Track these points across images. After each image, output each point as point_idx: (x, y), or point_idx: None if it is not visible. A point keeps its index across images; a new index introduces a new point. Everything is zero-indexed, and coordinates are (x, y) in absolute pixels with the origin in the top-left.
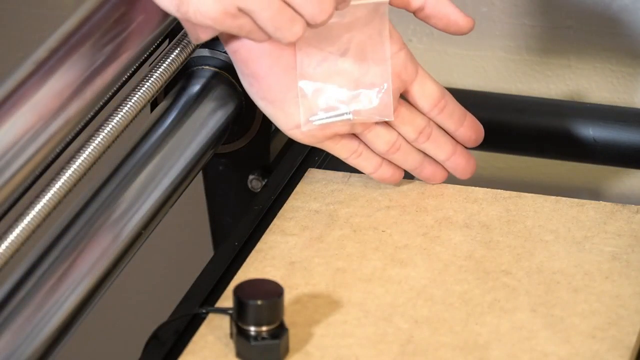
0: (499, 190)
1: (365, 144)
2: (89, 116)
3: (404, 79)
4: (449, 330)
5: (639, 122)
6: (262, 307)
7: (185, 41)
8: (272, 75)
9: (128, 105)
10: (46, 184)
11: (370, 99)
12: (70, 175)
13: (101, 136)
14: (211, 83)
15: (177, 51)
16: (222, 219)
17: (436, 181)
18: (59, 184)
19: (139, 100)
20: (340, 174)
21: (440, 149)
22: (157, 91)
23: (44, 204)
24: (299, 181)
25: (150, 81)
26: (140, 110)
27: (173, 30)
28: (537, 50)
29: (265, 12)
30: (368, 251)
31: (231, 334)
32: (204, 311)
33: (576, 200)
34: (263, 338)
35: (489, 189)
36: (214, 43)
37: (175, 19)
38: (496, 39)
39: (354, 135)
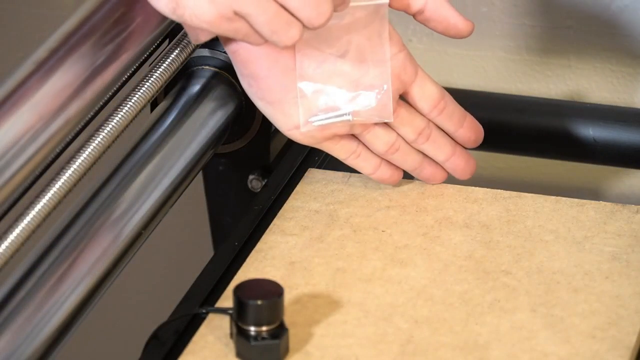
0: (499, 190)
1: (364, 145)
2: (89, 116)
3: (403, 80)
4: (449, 330)
5: (639, 122)
6: (262, 307)
7: (185, 41)
8: (271, 76)
9: (128, 105)
10: (46, 184)
11: (370, 100)
12: (70, 175)
13: (101, 136)
14: (211, 83)
15: (177, 51)
16: (222, 219)
17: (436, 182)
18: (59, 184)
19: (139, 100)
20: (340, 174)
21: (440, 149)
22: (157, 91)
23: (44, 204)
24: (299, 181)
25: (150, 81)
26: (140, 110)
27: (173, 30)
28: (537, 50)
29: (261, 16)
30: (368, 251)
31: (231, 334)
32: (204, 311)
33: (576, 200)
34: (263, 338)
35: (489, 189)
36: (214, 43)
37: None
38: (496, 39)
39: (353, 136)
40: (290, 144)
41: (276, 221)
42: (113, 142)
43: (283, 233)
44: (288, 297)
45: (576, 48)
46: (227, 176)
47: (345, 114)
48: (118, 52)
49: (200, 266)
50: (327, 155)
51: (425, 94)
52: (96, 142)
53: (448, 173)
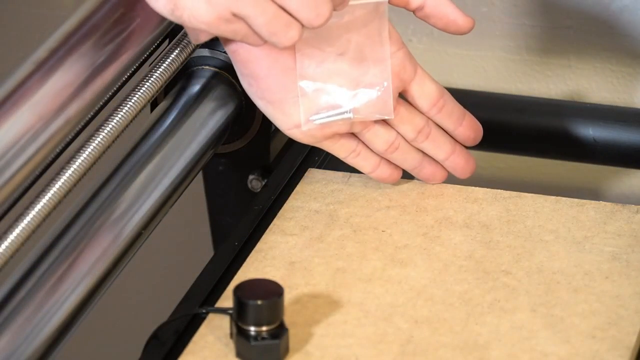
0: (499, 190)
1: (364, 144)
2: (89, 116)
3: (402, 79)
4: (449, 330)
5: (639, 122)
6: (262, 307)
7: (185, 41)
8: (271, 76)
9: (128, 105)
10: (46, 184)
11: (370, 98)
12: (70, 175)
13: (101, 136)
14: (211, 83)
15: (177, 51)
16: (222, 219)
17: (436, 181)
18: (59, 184)
19: (139, 100)
20: (340, 174)
21: (440, 148)
22: (157, 91)
23: (44, 204)
24: (299, 181)
25: (150, 81)
26: (140, 110)
27: (173, 30)
28: (537, 50)
29: (260, 18)
30: (368, 251)
31: (231, 334)
32: (204, 311)
33: (576, 200)
34: (263, 338)
35: (489, 189)
36: (214, 43)
37: None
38: (496, 39)
39: (353, 135)
40: (290, 144)
41: (276, 221)
42: (113, 142)
43: (283, 233)
44: (288, 297)
45: (576, 48)
46: (227, 176)
47: (346, 112)
48: (118, 52)
49: (200, 266)
50: (327, 155)
51: (425, 92)
52: (96, 142)
53: (448, 173)
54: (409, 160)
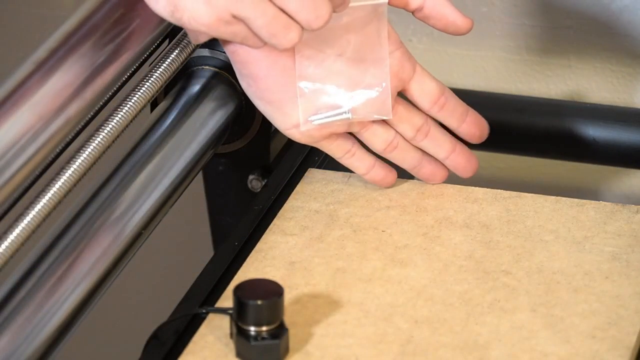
0: (499, 190)
1: (360, 144)
2: (89, 116)
3: (401, 78)
4: (449, 330)
5: (639, 122)
6: (262, 307)
7: (185, 41)
8: (270, 76)
9: (128, 105)
10: (46, 184)
11: (369, 98)
12: (70, 175)
13: (101, 136)
14: (211, 83)
15: (177, 51)
16: (222, 219)
17: (436, 181)
18: (59, 184)
19: (139, 100)
20: (340, 174)
21: (440, 147)
22: (157, 91)
23: (44, 204)
24: (299, 181)
25: (150, 81)
26: (140, 110)
27: (173, 30)
28: (537, 50)
29: (259, 19)
30: (368, 251)
31: (231, 334)
32: (204, 311)
33: (576, 200)
34: (263, 338)
35: (489, 189)
36: (214, 43)
37: None
38: (496, 39)
39: (350, 135)
40: (290, 144)
41: (276, 221)
42: (113, 142)
43: (283, 233)
44: (288, 297)
45: (576, 48)
46: (227, 176)
47: (345, 112)
48: (118, 52)
49: (200, 266)
50: (327, 155)
51: (425, 90)
52: (96, 142)
53: (449, 172)
54: (408, 159)
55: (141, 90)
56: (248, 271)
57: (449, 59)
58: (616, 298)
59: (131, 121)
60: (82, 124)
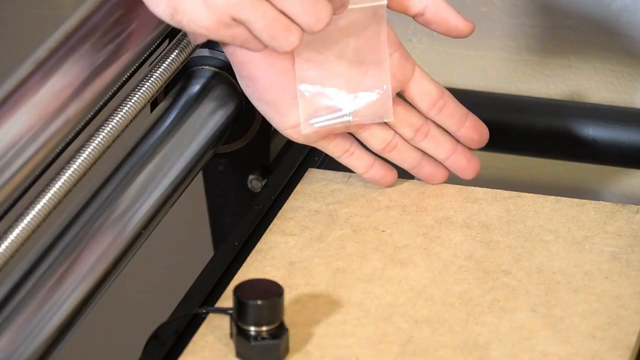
0: (499, 190)
1: (358, 144)
2: (89, 116)
3: (400, 79)
4: (449, 330)
5: (639, 122)
6: (262, 307)
7: (185, 41)
8: (268, 78)
9: (128, 105)
10: (46, 184)
11: (369, 101)
12: (70, 175)
13: (101, 136)
14: (211, 83)
15: (177, 51)
16: (222, 219)
17: (437, 181)
18: (59, 184)
19: (139, 100)
20: (340, 174)
21: (440, 147)
22: (157, 91)
23: (44, 204)
24: (299, 181)
25: (150, 81)
26: (140, 110)
27: (173, 30)
28: (537, 50)
29: (260, 22)
30: (368, 251)
31: (231, 334)
32: (204, 311)
33: (576, 200)
34: (263, 338)
35: (489, 189)
36: (214, 43)
37: None
38: (496, 39)
39: (348, 134)
40: (290, 144)
41: (276, 221)
42: (113, 142)
43: (283, 233)
44: (288, 297)
45: (576, 48)
46: (227, 176)
47: (346, 115)
48: (118, 52)
49: (200, 266)
50: (328, 155)
51: (424, 92)
52: (96, 142)
53: (450, 173)
54: (407, 159)
55: (141, 90)
56: (248, 271)
57: (449, 59)
58: (616, 298)
59: (131, 121)
60: (82, 124)
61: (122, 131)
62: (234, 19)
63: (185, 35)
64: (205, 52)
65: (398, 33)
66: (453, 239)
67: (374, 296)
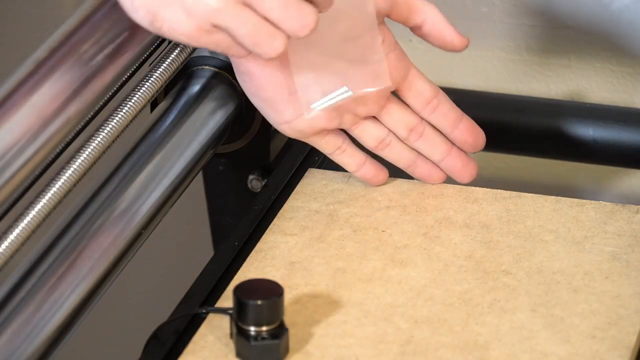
0: (499, 190)
1: (350, 141)
2: (89, 116)
3: (395, 79)
4: (449, 330)
5: (639, 122)
6: (262, 307)
7: None
8: (265, 74)
9: (128, 105)
10: (46, 184)
11: (365, 72)
12: (70, 175)
13: (101, 136)
14: (211, 83)
15: (177, 51)
16: (222, 219)
17: (433, 181)
18: (59, 184)
19: (139, 100)
20: (340, 174)
21: (434, 148)
22: (157, 91)
23: (44, 204)
24: (299, 181)
25: (150, 81)
26: (140, 110)
27: None
28: (537, 50)
29: (242, 29)
30: (368, 251)
31: (231, 334)
32: (204, 311)
33: (576, 200)
34: (263, 338)
35: (489, 189)
36: None
37: None
38: (496, 39)
39: (340, 131)
40: (290, 144)
41: (276, 221)
42: (113, 142)
43: (283, 233)
44: (288, 297)
45: (576, 48)
46: (227, 176)
47: (345, 91)
48: (118, 52)
49: (200, 266)
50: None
51: (418, 91)
52: (96, 142)
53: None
54: (401, 158)
55: (141, 90)
56: (248, 271)
57: (449, 59)
58: (616, 298)
59: (131, 121)
60: (82, 124)
61: (122, 131)
62: (215, 26)
63: None
64: (205, 52)
65: (398, 32)
66: (453, 239)
67: (374, 296)
